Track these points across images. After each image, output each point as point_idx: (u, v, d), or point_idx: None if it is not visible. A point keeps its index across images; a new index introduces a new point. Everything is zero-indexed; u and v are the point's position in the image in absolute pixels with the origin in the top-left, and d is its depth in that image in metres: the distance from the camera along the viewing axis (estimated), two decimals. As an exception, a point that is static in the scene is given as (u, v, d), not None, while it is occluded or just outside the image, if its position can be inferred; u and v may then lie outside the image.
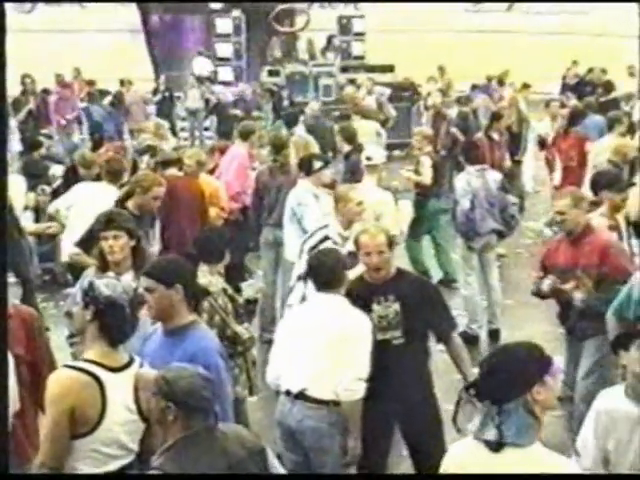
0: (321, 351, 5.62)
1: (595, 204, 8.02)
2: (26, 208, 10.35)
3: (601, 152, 11.01)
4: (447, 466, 3.85)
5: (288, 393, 5.72)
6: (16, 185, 9.79)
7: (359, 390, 5.62)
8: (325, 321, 5.71)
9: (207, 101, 21.70)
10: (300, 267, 7.51)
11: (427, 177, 11.50)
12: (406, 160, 12.37)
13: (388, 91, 20.38)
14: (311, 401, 5.66)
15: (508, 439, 3.64)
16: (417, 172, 11.61)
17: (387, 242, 6.11)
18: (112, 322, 4.47)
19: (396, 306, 6.02)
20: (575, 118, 13.91)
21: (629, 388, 4.29)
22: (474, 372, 6.29)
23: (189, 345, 4.97)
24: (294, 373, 5.69)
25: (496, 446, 3.65)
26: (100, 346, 4.50)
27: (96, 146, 13.94)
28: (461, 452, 3.80)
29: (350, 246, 7.13)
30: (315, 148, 11.31)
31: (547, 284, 7.10)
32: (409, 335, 6.06)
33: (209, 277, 6.41)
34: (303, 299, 7.21)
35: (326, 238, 7.64)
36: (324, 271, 5.87)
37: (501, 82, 21.60)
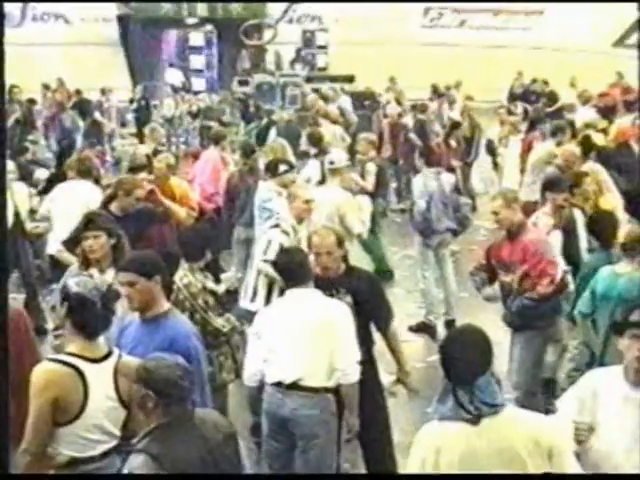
0: (311, 343, 5.56)
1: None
2: (31, 212, 10.21)
3: (543, 157, 11.01)
4: (427, 446, 3.77)
5: (279, 384, 5.63)
6: (20, 191, 9.76)
7: (356, 372, 5.62)
8: (308, 314, 5.63)
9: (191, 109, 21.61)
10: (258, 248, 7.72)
11: (369, 183, 11.46)
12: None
13: (349, 100, 20.40)
14: (305, 390, 5.58)
15: (485, 411, 3.67)
16: (363, 176, 11.56)
17: (337, 242, 6.11)
18: (82, 318, 4.45)
19: (348, 299, 6.01)
20: (534, 124, 13.98)
21: (625, 370, 4.27)
22: (406, 360, 6.37)
23: (169, 330, 5.01)
24: (285, 366, 5.58)
25: (476, 419, 3.66)
26: (79, 339, 4.48)
27: (64, 152, 13.83)
28: (440, 432, 3.75)
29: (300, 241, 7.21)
30: (290, 152, 11.34)
31: (487, 293, 7.28)
32: (359, 326, 6.03)
33: (190, 277, 6.34)
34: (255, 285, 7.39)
35: (276, 226, 7.64)
36: (294, 268, 5.78)
37: (436, 91, 21.61)
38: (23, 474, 4.38)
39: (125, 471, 3.87)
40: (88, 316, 4.44)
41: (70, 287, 4.53)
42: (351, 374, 5.60)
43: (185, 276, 6.31)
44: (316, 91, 20.48)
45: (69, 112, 19.96)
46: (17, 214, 9.30)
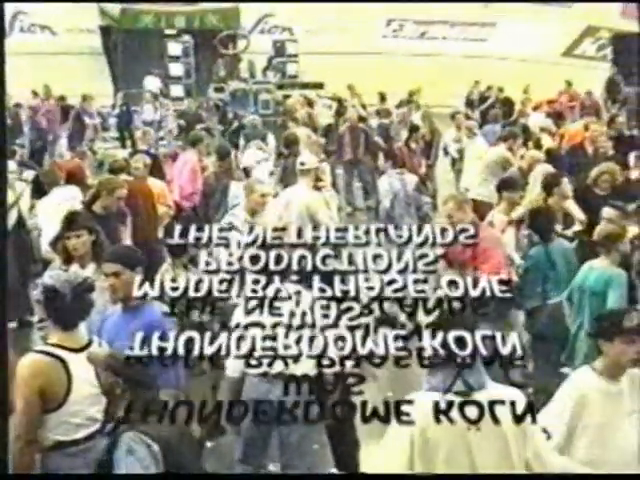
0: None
1: None
2: (31, 209, 10.13)
3: (497, 160, 11.01)
4: (420, 415, 3.75)
5: (264, 375, 5.57)
6: (21, 189, 9.78)
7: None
8: None
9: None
10: None
11: (327, 183, 11.46)
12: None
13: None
14: (291, 378, 5.53)
15: (475, 387, 3.71)
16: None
17: None
18: (55, 309, 4.48)
19: None
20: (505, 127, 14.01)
21: (607, 369, 4.34)
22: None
23: (147, 314, 5.04)
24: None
25: (466, 394, 3.69)
26: (58, 330, 4.48)
27: (36, 153, 13.71)
28: (431, 403, 3.74)
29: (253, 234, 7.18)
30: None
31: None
32: None
33: (172, 273, 6.34)
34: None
35: (229, 222, 7.65)
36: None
37: (383, 99, 21.57)
38: (23, 474, 4.35)
39: (123, 449, 3.87)
40: (60, 307, 4.45)
41: (44, 280, 4.57)
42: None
43: (166, 271, 6.33)
44: (287, 97, 20.55)
45: (46, 115, 19.90)
46: (19, 211, 9.42)
